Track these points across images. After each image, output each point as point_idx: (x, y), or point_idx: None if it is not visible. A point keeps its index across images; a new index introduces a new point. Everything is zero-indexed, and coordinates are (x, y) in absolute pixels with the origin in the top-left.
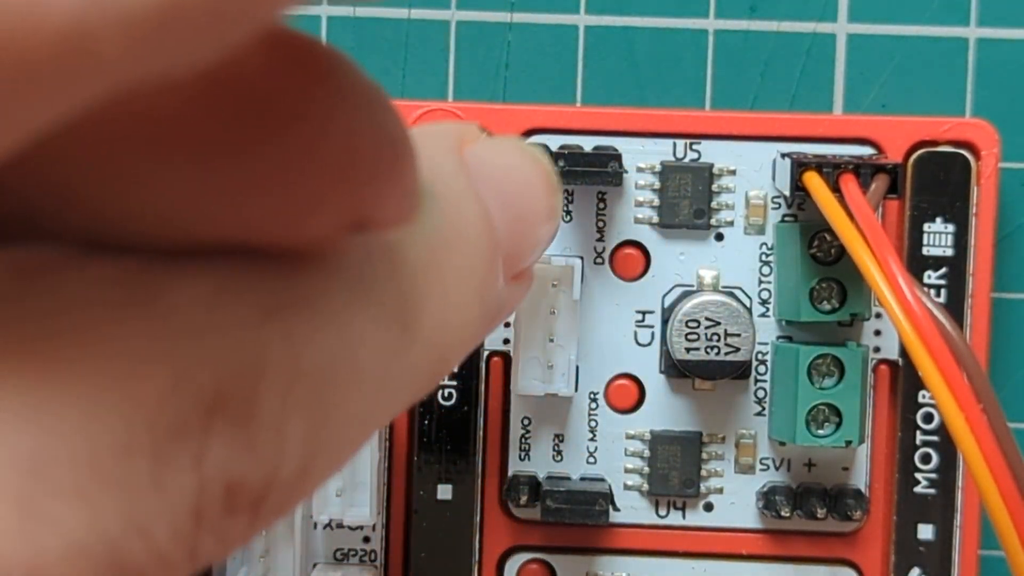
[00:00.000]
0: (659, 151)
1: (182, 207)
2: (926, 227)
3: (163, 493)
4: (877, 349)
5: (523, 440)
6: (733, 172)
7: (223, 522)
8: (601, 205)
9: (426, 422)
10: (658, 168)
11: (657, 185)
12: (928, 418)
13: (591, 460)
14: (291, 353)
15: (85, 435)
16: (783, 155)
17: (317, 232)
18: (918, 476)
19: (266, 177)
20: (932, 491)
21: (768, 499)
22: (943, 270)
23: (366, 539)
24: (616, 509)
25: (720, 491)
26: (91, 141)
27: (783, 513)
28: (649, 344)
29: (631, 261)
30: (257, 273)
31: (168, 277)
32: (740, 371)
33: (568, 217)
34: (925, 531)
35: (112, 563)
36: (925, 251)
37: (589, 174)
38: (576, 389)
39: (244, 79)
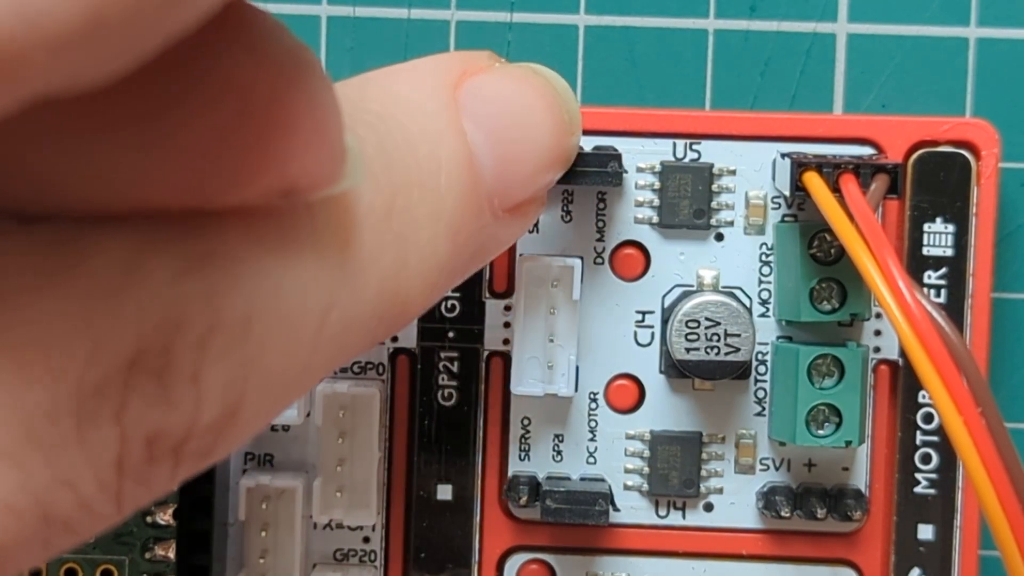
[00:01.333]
0: (659, 151)
1: (108, 176)
2: (926, 227)
3: (87, 448)
4: (877, 349)
5: (523, 440)
6: (733, 172)
7: (146, 470)
8: (601, 205)
9: (426, 422)
10: (658, 168)
11: (657, 185)
12: (928, 418)
13: (591, 460)
14: (209, 306)
15: (12, 403)
16: (783, 155)
17: (242, 200)
18: (918, 476)
19: (186, 147)
20: (932, 491)
21: (768, 499)
22: (943, 270)
23: (366, 539)
24: (616, 509)
25: (720, 491)
26: (18, 119)
27: (783, 513)
28: (649, 344)
29: (631, 261)
30: (178, 232)
31: (87, 242)
32: (740, 371)
33: (568, 217)
34: (925, 531)
35: (39, 516)
36: (925, 251)
37: (589, 174)
38: (576, 389)
39: (165, 54)
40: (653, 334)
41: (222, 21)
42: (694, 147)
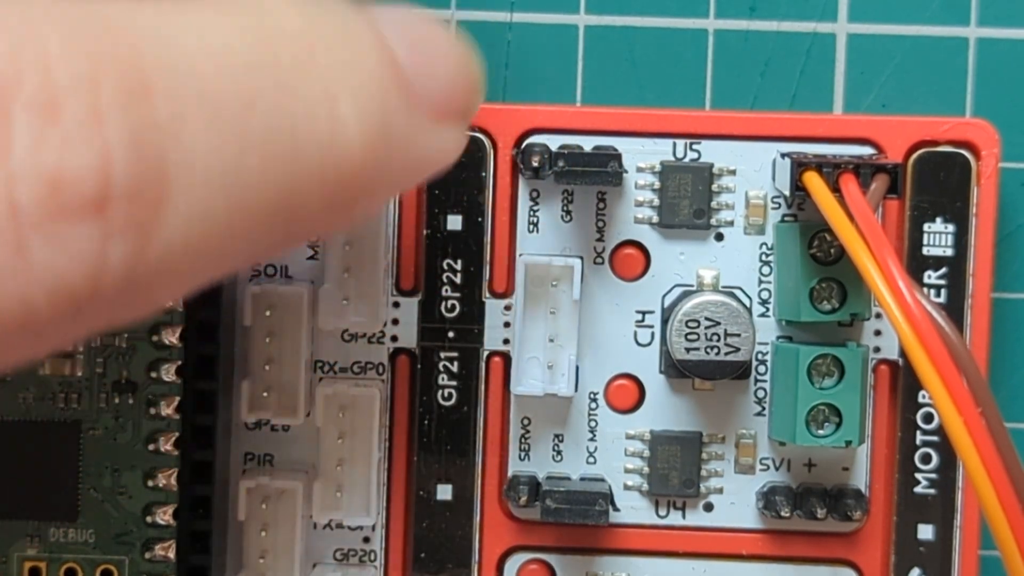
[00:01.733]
0: (659, 151)
1: None
2: (926, 227)
3: None
4: (877, 349)
5: (523, 440)
6: (733, 172)
7: (59, 224)
8: (601, 205)
9: (426, 422)
10: (658, 168)
11: (657, 185)
12: (928, 418)
13: (591, 460)
14: (97, 39)
15: None
16: (783, 155)
17: None
18: (918, 476)
19: None
20: (932, 491)
21: (768, 499)
22: (943, 270)
23: (366, 539)
24: (616, 509)
25: (720, 491)
26: None
27: (783, 513)
28: (649, 344)
29: (631, 261)
30: None
31: None
32: (740, 371)
33: (568, 217)
34: (925, 531)
35: None
36: (925, 251)
37: (589, 174)
38: (576, 389)
39: None
40: (653, 334)
41: None
42: (694, 147)
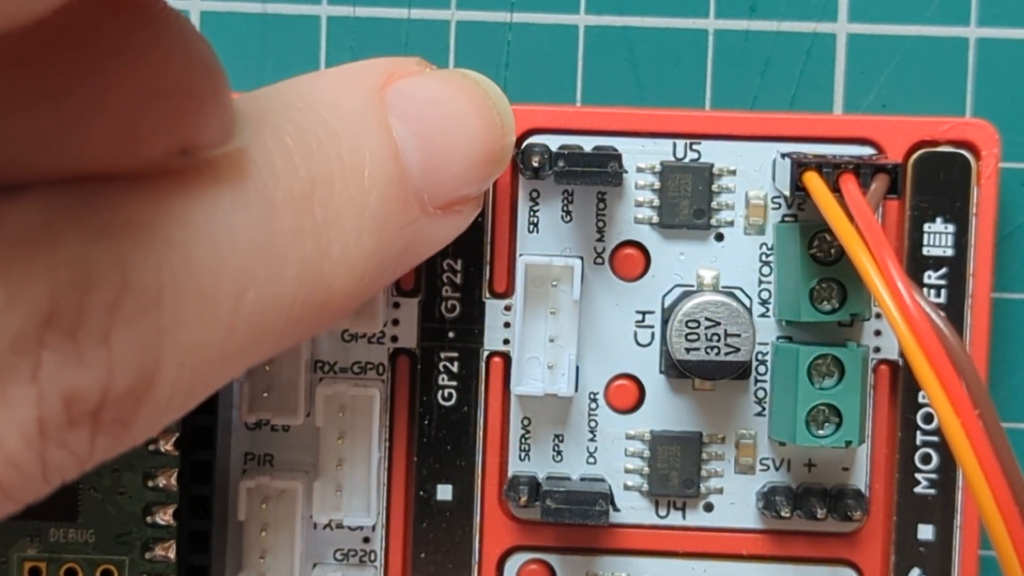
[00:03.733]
0: (659, 151)
1: (16, 144)
2: (926, 227)
3: (9, 405)
4: (877, 349)
5: (523, 440)
6: (733, 172)
7: (67, 433)
8: (601, 205)
9: (426, 422)
10: (658, 168)
11: (657, 185)
12: (928, 418)
13: (591, 460)
14: (118, 269)
15: None
16: (783, 155)
17: (144, 158)
18: (918, 476)
19: (91, 111)
20: (932, 491)
21: (768, 499)
22: (943, 270)
23: (366, 539)
24: (616, 509)
25: (720, 491)
26: None
27: (783, 513)
28: (649, 344)
29: (631, 261)
30: (90, 196)
31: (0, 206)
32: (740, 371)
33: (568, 217)
34: (925, 531)
35: None
36: (925, 251)
37: (589, 174)
38: (576, 389)
39: (59, 23)
40: (653, 334)
41: (132, 5)
42: (694, 147)
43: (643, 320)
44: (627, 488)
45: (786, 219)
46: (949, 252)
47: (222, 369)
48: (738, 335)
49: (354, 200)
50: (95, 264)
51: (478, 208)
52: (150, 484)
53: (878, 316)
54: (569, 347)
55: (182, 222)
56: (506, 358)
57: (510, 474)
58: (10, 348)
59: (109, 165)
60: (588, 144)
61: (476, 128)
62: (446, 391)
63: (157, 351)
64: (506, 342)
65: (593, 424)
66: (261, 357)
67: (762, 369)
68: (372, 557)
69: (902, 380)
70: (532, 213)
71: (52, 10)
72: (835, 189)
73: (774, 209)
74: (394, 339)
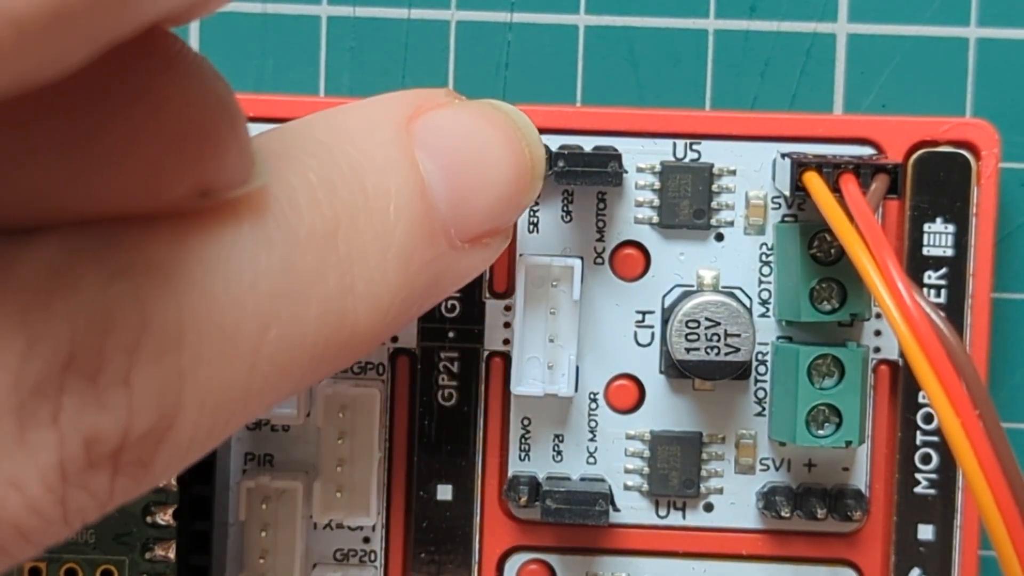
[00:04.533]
0: (659, 151)
1: (37, 188)
2: (926, 227)
3: (30, 449)
4: (877, 349)
5: (523, 440)
6: (733, 172)
7: (87, 476)
8: (601, 205)
9: (426, 422)
10: (658, 168)
11: (657, 185)
12: (928, 418)
13: (591, 460)
14: (138, 311)
15: None
16: (783, 155)
17: (165, 200)
18: (918, 476)
19: (113, 155)
20: (932, 491)
21: (768, 499)
22: (943, 270)
23: (366, 539)
24: (616, 509)
25: (720, 491)
26: None
27: (783, 513)
28: (649, 344)
29: (631, 261)
30: (108, 238)
31: (18, 249)
32: (740, 371)
33: (568, 217)
34: (925, 531)
35: None
36: (925, 251)
37: (589, 174)
38: (576, 389)
39: (84, 70)
40: (653, 334)
41: (153, 49)
42: (694, 147)
43: (643, 320)
44: (627, 488)
45: (786, 219)
46: (949, 252)
47: (244, 408)
48: (738, 335)
49: (379, 236)
50: (115, 306)
51: (507, 240)
52: None
53: (878, 316)
54: (569, 347)
55: (202, 262)
56: (506, 358)
57: (510, 474)
58: (31, 393)
59: (129, 207)
60: (588, 144)
61: (504, 160)
62: (446, 391)
63: (178, 392)
64: (506, 342)
65: (593, 424)
66: (285, 395)
67: (762, 369)
68: (372, 557)
69: (902, 380)
70: (532, 213)
71: (78, 67)
72: (835, 189)
73: (774, 209)
74: (394, 339)
